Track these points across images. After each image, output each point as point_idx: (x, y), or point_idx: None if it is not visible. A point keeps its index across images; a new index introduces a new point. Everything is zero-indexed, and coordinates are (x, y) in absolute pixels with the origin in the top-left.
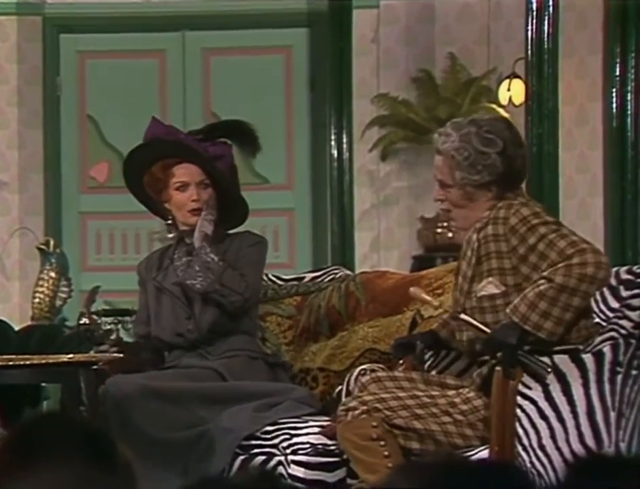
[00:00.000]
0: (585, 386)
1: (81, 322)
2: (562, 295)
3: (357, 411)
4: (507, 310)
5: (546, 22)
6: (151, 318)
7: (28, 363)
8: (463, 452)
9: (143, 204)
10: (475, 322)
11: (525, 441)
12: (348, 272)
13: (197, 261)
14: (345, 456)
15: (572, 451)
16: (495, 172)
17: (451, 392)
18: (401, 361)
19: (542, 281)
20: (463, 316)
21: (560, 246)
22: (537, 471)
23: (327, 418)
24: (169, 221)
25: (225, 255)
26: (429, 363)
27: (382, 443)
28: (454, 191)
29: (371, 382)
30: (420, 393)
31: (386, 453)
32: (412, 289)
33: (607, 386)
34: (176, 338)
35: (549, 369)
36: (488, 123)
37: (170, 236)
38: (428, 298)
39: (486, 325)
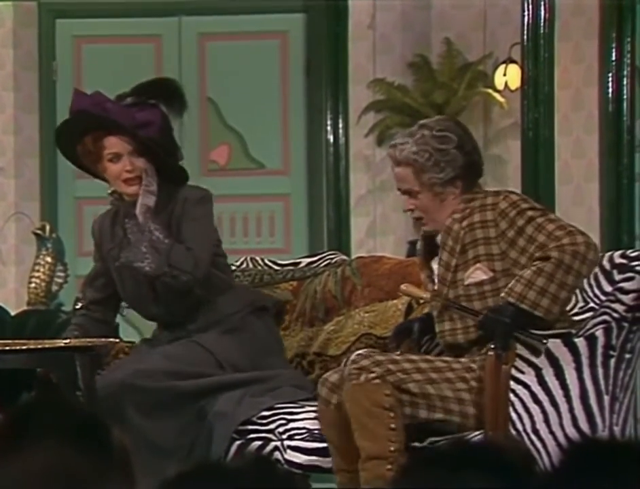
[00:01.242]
0: (579, 370)
1: (77, 307)
2: (559, 272)
3: (371, 374)
4: (502, 293)
5: (542, 7)
6: (108, 286)
7: (24, 347)
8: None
9: (86, 172)
10: (467, 308)
11: (519, 426)
12: (344, 257)
13: (143, 241)
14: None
15: (566, 436)
16: (457, 166)
17: (464, 359)
18: (397, 352)
19: (537, 262)
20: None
21: (549, 229)
22: None
23: None
24: (113, 190)
25: (172, 214)
26: (425, 347)
27: (391, 414)
28: (423, 196)
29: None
30: (432, 358)
31: (392, 425)
32: (402, 286)
33: (600, 370)
34: (149, 319)
35: (545, 341)
36: (437, 123)
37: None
38: (419, 293)
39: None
